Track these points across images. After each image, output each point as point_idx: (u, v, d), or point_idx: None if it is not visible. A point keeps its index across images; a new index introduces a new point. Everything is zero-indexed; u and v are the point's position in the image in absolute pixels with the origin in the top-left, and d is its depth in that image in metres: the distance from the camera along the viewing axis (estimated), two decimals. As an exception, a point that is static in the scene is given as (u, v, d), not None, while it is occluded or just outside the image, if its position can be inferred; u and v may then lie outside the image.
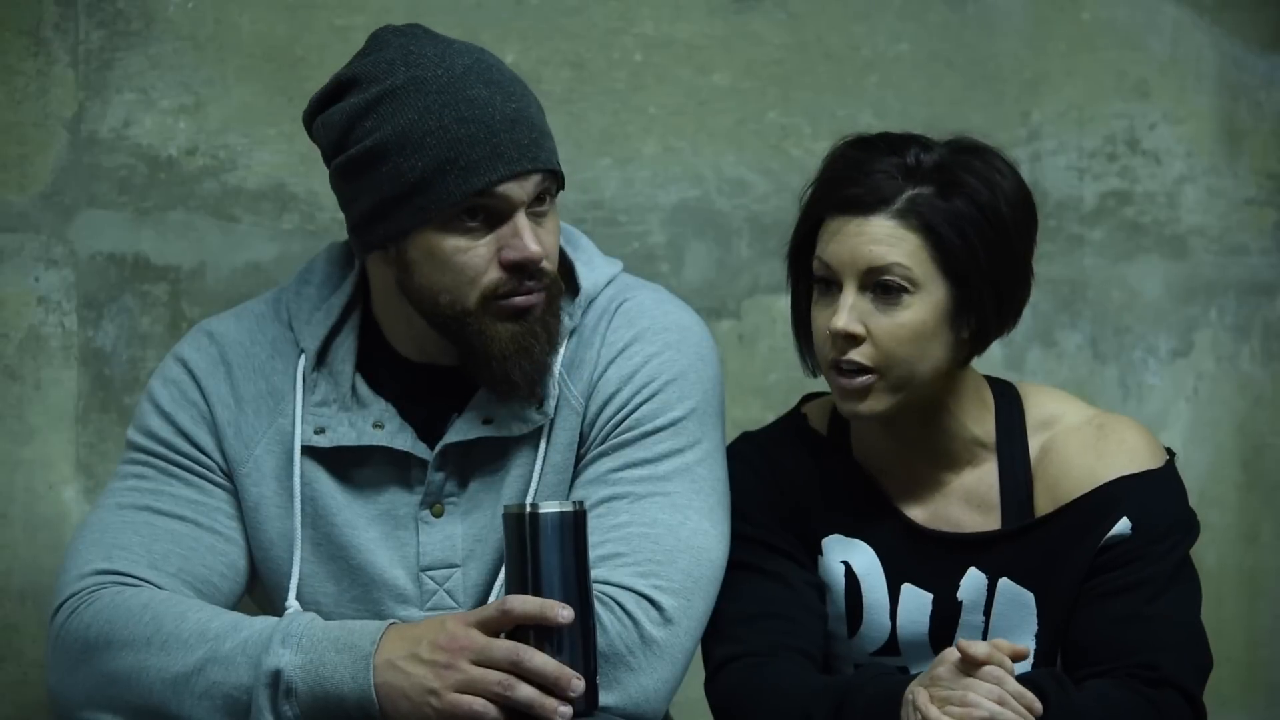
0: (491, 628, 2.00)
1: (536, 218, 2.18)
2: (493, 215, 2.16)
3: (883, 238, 2.16)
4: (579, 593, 2.00)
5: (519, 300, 2.17)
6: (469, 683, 1.98)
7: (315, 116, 2.21)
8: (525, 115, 2.17)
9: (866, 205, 2.17)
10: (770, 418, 2.44)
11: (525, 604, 1.98)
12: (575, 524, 2.00)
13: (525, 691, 1.97)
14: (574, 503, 2.01)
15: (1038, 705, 2.06)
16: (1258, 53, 3.22)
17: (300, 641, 2.05)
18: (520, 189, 2.16)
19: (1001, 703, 2.04)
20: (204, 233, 2.85)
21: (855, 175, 2.19)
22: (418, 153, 2.13)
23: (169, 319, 2.83)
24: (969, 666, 2.06)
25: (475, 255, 2.16)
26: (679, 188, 3.02)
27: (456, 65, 2.16)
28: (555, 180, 2.21)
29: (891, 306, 2.17)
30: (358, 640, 2.04)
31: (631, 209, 3.01)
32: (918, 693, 2.06)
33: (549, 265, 2.19)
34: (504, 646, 1.98)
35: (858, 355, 2.17)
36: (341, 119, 2.17)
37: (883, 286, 2.17)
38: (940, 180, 2.18)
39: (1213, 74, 3.21)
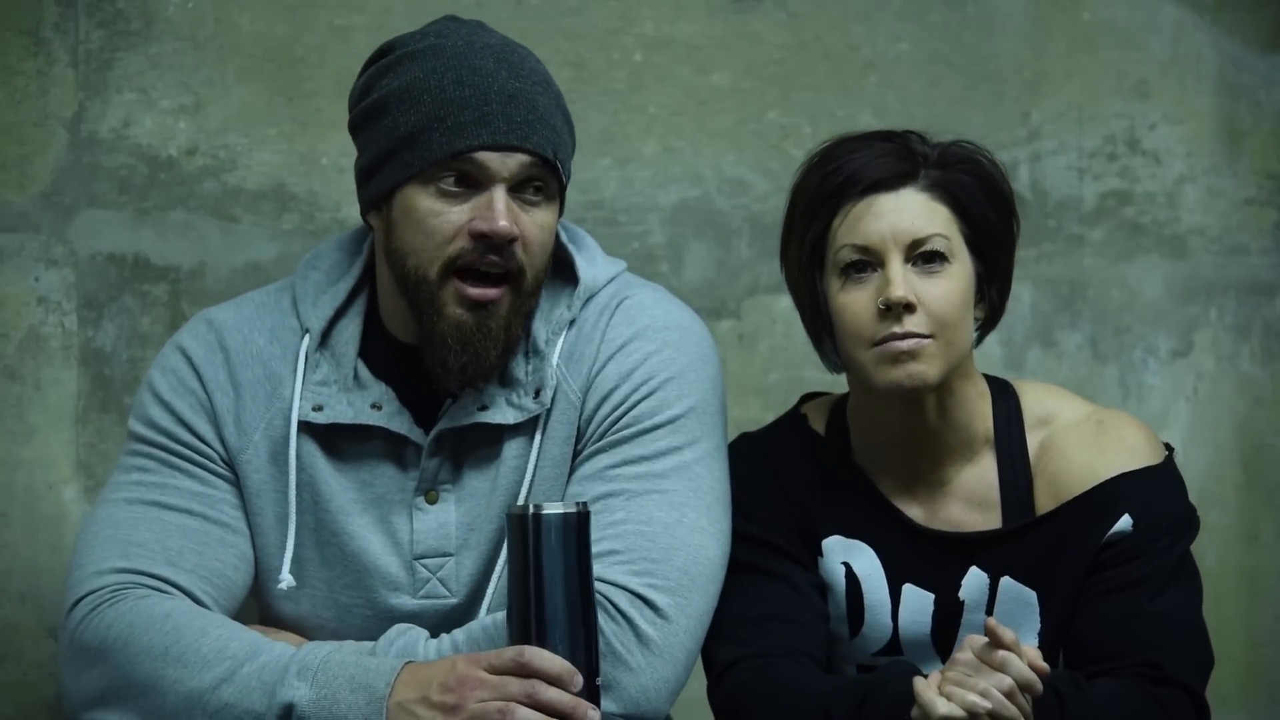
0: (504, 673, 1.99)
1: (525, 205, 2.19)
2: (472, 183, 2.17)
3: (919, 208, 2.19)
4: (581, 593, 2.00)
5: (475, 291, 2.17)
6: (470, 718, 1.98)
7: (356, 81, 2.26)
8: (527, 96, 2.18)
9: (893, 181, 2.20)
10: (770, 418, 2.43)
11: (542, 660, 1.98)
12: (579, 525, 2.00)
13: (525, 715, 1.97)
14: (577, 504, 2.01)
15: (1026, 707, 2.03)
16: (1258, 53, 3.22)
17: (316, 676, 2.05)
18: (501, 162, 2.16)
19: (1011, 695, 2.01)
20: (204, 233, 2.85)
21: (868, 158, 2.21)
22: (413, 108, 2.16)
23: (169, 319, 2.83)
24: (991, 649, 2.03)
25: (446, 220, 2.17)
26: (679, 188, 3.02)
27: (477, 41, 2.20)
28: (551, 173, 2.20)
29: (936, 275, 2.19)
30: (373, 680, 2.04)
31: (631, 209, 3.00)
32: (924, 678, 2.05)
33: (523, 254, 2.18)
34: (516, 685, 1.98)
35: (913, 325, 2.17)
36: (367, 78, 2.23)
37: (926, 256, 2.19)
38: (947, 161, 2.22)
39: (1213, 74, 3.21)
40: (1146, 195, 3.19)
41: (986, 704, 1.99)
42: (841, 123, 3.03)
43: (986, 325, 2.29)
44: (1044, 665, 2.04)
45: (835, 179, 2.22)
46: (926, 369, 2.18)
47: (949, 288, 2.19)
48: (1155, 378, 3.20)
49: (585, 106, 2.97)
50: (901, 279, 2.17)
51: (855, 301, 2.20)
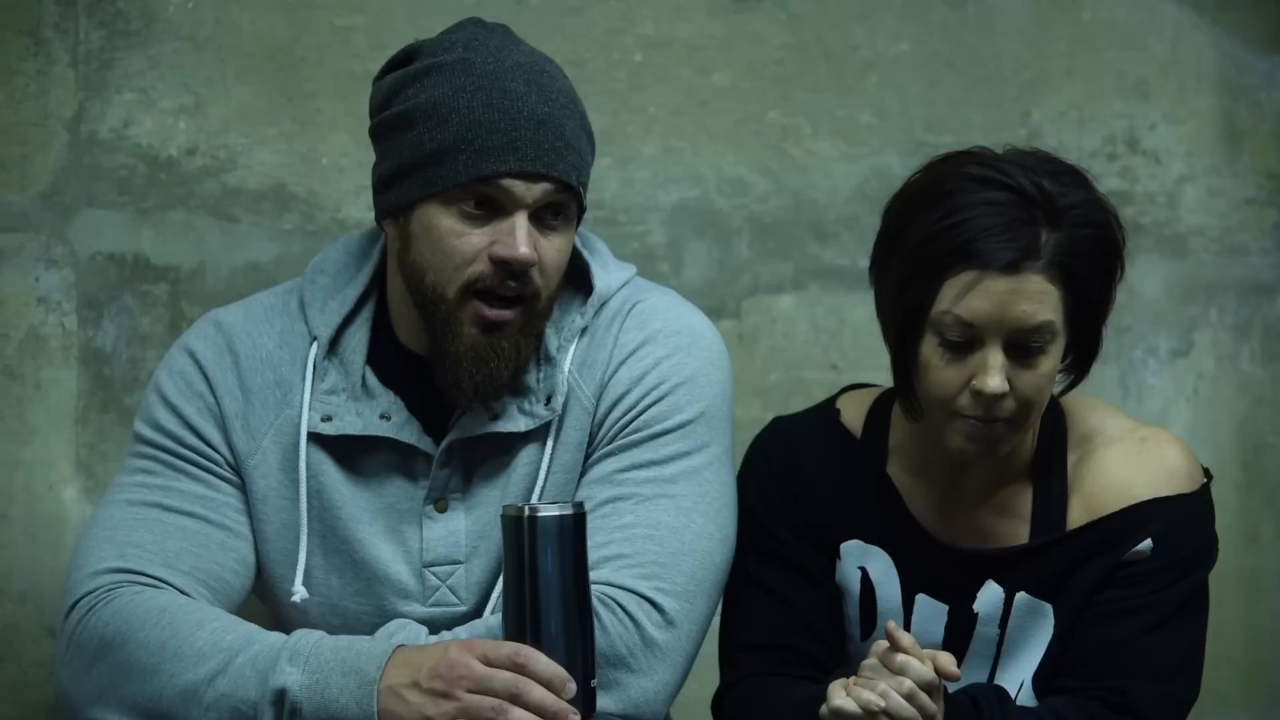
0: (496, 665, 1.99)
1: (544, 230, 2.18)
2: (495, 207, 2.16)
3: (1033, 294, 2.10)
4: (577, 595, 1.99)
5: (491, 313, 2.17)
6: (463, 710, 1.98)
7: (377, 80, 2.24)
8: (555, 122, 2.17)
9: (1015, 263, 2.09)
10: (770, 418, 2.43)
11: (538, 663, 1.98)
12: (575, 526, 1.99)
13: (519, 716, 1.97)
14: (573, 504, 2.00)
15: (931, 708, 2.05)
16: (1258, 53, 3.22)
17: (308, 661, 2.05)
18: (526, 189, 2.16)
19: (910, 696, 2.03)
20: (204, 233, 2.85)
21: (987, 223, 2.10)
22: (440, 126, 2.15)
23: (169, 319, 2.83)
24: (892, 653, 2.05)
25: (467, 242, 2.16)
26: (679, 188, 3.02)
27: (508, 59, 2.18)
28: (572, 198, 2.20)
29: (1034, 359, 2.12)
30: (363, 664, 2.04)
31: (631, 209, 3.00)
32: (836, 681, 2.08)
33: (539, 278, 2.18)
34: (504, 678, 1.98)
35: (1001, 411, 2.13)
36: (391, 83, 2.21)
37: (1028, 344, 2.11)
38: (1071, 221, 2.12)
39: (1213, 74, 3.20)
40: (1146, 195, 3.19)
41: (881, 702, 2.02)
42: (841, 123, 3.03)
43: (1071, 381, 2.23)
44: (954, 671, 2.06)
45: (949, 240, 2.11)
46: (1001, 446, 2.17)
47: (1043, 371, 2.13)
48: (1155, 378, 3.20)
49: (585, 106, 2.96)
50: (999, 369, 2.10)
51: (947, 370, 2.13)
